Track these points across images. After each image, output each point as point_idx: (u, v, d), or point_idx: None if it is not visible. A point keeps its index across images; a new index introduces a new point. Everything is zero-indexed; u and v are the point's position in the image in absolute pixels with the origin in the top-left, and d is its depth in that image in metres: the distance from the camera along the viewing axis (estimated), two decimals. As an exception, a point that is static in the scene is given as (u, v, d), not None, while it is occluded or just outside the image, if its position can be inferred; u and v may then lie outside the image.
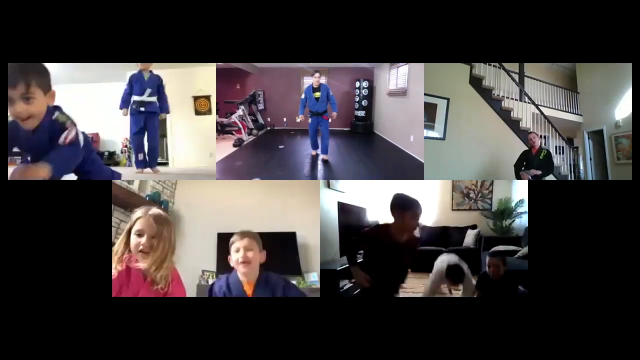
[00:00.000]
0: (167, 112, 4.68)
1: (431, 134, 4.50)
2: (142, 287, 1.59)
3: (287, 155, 5.39)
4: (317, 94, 5.01)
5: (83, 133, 1.98)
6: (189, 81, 5.64)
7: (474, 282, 2.94)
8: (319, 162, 4.90)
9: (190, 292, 3.84)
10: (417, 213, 2.18)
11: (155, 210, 1.69)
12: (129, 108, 4.46)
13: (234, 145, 5.91)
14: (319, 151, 5.11)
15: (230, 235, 2.05)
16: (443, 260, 3.20)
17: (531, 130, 4.63)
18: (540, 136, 5.03)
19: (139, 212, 1.67)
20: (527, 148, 4.27)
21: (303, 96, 5.07)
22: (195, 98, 5.76)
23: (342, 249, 3.97)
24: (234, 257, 1.95)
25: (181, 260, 4.00)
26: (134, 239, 1.62)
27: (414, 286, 4.43)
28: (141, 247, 1.58)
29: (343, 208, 4.14)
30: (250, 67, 7.27)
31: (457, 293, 3.04)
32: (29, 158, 2.00)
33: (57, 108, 1.93)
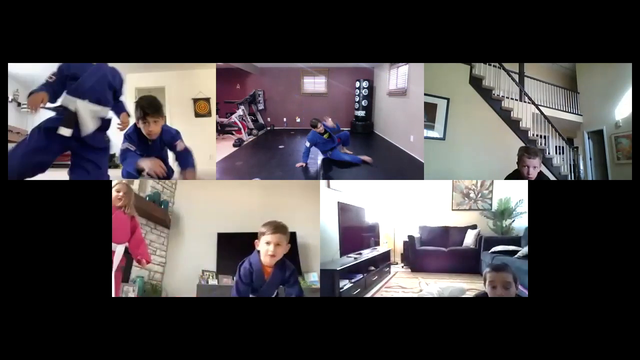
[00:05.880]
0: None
1: (431, 134, 4.50)
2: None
3: (287, 155, 5.39)
4: (326, 134, 4.89)
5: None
6: (188, 84, 5.65)
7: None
8: (319, 162, 4.90)
9: (190, 292, 3.87)
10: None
11: (124, 182, 2.60)
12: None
13: (234, 145, 5.91)
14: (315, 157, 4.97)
15: (231, 235, 2.05)
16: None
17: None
18: (540, 136, 5.05)
19: (119, 184, 2.57)
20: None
21: (308, 144, 4.77)
22: (195, 100, 5.77)
23: (342, 248, 3.98)
24: (263, 249, 2.17)
25: (181, 260, 4.05)
26: (114, 194, 2.52)
27: (413, 286, 4.44)
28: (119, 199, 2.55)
29: (343, 208, 4.14)
30: (250, 67, 7.27)
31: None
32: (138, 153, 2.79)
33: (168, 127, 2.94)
